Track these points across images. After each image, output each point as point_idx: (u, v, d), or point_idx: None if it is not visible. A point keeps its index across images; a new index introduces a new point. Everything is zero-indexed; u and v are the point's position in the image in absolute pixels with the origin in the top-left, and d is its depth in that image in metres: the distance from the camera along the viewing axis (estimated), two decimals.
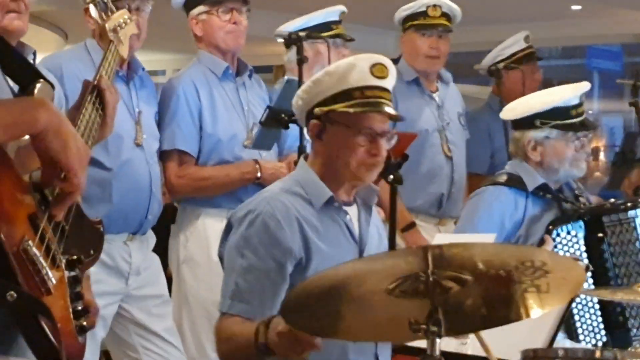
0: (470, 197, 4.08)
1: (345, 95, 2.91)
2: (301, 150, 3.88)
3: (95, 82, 2.35)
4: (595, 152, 15.07)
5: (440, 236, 3.68)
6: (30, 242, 1.73)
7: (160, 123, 4.20)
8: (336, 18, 4.67)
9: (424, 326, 2.26)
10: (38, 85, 1.95)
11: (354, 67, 2.92)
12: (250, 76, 4.43)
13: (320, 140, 2.97)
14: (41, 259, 1.74)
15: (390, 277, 2.20)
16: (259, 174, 4.17)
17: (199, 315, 4.18)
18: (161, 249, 4.29)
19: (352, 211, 3.08)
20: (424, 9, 4.85)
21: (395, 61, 5.06)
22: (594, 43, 13.72)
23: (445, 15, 4.86)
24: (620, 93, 15.81)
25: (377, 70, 2.93)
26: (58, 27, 9.63)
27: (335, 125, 2.93)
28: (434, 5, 4.84)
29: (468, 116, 5.20)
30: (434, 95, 4.94)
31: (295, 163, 3.78)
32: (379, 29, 9.78)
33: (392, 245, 3.14)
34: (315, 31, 4.43)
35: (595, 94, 17.09)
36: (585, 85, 3.90)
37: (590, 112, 17.77)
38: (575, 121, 3.83)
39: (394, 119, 3.01)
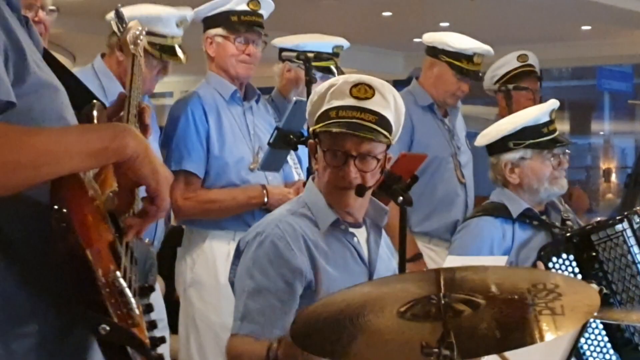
0: (458, 230, 4.07)
1: (323, 115, 2.90)
2: (310, 172, 3.85)
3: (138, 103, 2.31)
4: (607, 173, 15.03)
5: (451, 259, 3.63)
6: (117, 273, 1.68)
7: (167, 143, 4.19)
8: (328, 50, 4.64)
9: (436, 350, 2.22)
10: (96, 106, 1.92)
11: (333, 86, 2.91)
12: (257, 101, 4.41)
13: (315, 160, 2.96)
14: (127, 290, 1.69)
15: (402, 300, 2.17)
16: (265, 199, 4.14)
17: (207, 338, 4.15)
18: (168, 272, 4.25)
19: (361, 233, 3.05)
20: (471, 54, 4.79)
21: (405, 82, 5.06)
22: (605, 64, 13.70)
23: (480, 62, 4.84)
24: (632, 114, 15.80)
25: (357, 90, 2.88)
26: (66, 49, 9.66)
27: (319, 145, 2.93)
28: (480, 55, 4.80)
29: (473, 137, 5.18)
30: (445, 120, 4.92)
31: (305, 184, 3.77)
32: (387, 50, 9.80)
33: (402, 267, 3.10)
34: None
35: (606, 115, 17.06)
36: (553, 103, 3.91)
37: (601, 133, 17.76)
38: (547, 139, 3.85)
39: (376, 140, 2.90)
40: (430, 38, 4.86)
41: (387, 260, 3.12)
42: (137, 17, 3.85)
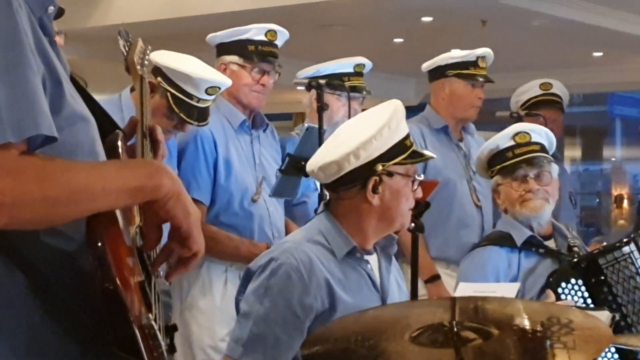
0: (463, 260, 4.06)
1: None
2: (321, 198, 3.84)
3: (148, 126, 2.31)
4: (618, 200, 14.99)
5: (463, 285, 3.62)
6: (150, 316, 1.65)
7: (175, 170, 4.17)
8: (350, 70, 4.64)
9: None
10: (119, 136, 1.87)
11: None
12: (265, 130, 4.39)
13: (375, 194, 2.95)
14: (158, 333, 1.66)
15: (414, 325, 2.16)
16: None
17: None
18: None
19: (372, 260, 3.04)
20: (474, 59, 4.81)
21: (419, 108, 5.06)
22: (616, 90, 13.71)
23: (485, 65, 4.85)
24: None
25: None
26: (79, 76, 9.68)
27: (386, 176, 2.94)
28: (483, 57, 4.81)
29: None
30: (461, 144, 4.90)
31: (316, 212, 3.76)
32: (399, 77, 9.82)
33: (414, 293, 3.09)
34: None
35: (617, 141, 17.04)
36: (516, 128, 3.97)
37: (613, 159, 17.74)
38: (511, 162, 3.90)
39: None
40: (431, 62, 4.87)
41: (397, 287, 3.11)
42: (164, 67, 3.84)
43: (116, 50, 2.65)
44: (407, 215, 2.99)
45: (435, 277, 4.61)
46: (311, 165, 2.99)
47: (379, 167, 2.91)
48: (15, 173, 1.53)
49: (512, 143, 3.92)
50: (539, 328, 2.18)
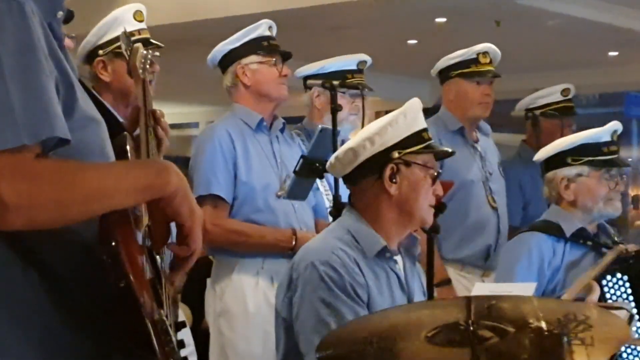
0: (507, 244, 4.03)
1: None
2: (336, 199, 3.83)
3: (150, 110, 2.30)
4: (635, 200, 14.94)
5: (479, 285, 3.60)
6: (161, 312, 1.68)
7: (194, 171, 4.19)
8: (353, 67, 4.64)
9: None
10: (127, 138, 1.92)
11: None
12: (282, 130, 4.40)
13: (393, 183, 2.93)
14: (170, 329, 1.69)
15: (430, 325, 2.16)
16: (293, 243, 4.12)
17: None
18: (198, 303, 4.23)
19: (399, 260, 3.04)
20: (474, 56, 4.80)
21: (433, 110, 5.04)
22: (632, 89, 13.65)
23: (491, 61, 4.84)
24: None
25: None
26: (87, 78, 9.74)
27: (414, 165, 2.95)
28: (484, 53, 4.80)
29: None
30: (477, 146, 4.89)
31: (331, 213, 3.75)
32: (413, 79, 9.80)
33: (430, 293, 3.08)
34: (329, 79, 4.39)
35: (634, 141, 16.97)
36: (615, 125, 3.88)
37: (629, 159, 17.68)
38: (607, 158, 3.81)
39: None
40: (438, 65, 4.87)
41: (420, 288, 3.10)
42: (96, 33, 3.84)
43: None
44: (427, 211, 2.97)
45: (446, 281, 4.59)
46: (331, 158, 3.02)
47: (395, 154, 2.91)
48: (31, 176, 1.57)
49: (609, 139, 3.85)
50: (555, 325, 2.17)
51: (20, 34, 1.59)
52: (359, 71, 4.66)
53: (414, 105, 2.98)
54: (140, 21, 3.93)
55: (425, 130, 2.97)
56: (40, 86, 1.59)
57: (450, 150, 3.10)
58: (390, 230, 2.97)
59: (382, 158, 2.92)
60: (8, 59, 1.57)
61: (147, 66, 2.55)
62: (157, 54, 3.53)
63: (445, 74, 4.84)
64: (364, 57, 4.70)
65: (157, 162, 1.86)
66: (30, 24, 1.61)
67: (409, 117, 2.93)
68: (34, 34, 1.61)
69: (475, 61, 4.78)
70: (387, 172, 2.92)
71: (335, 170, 3.06)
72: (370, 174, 2.95)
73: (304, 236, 4.07)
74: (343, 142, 4.52)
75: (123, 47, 2.58)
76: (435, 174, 2.96)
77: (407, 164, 2.92)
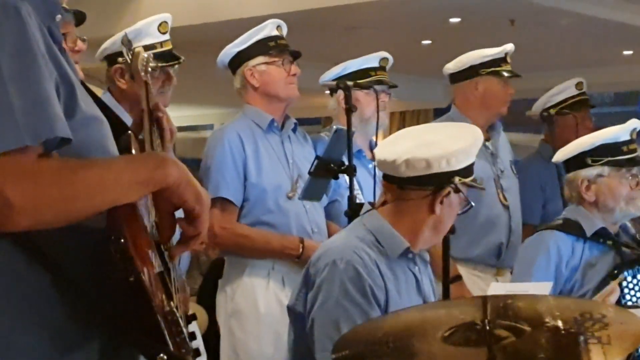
0: (526, 242, 4.02)
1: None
2: (351, 200, 3.83)
3: (152, 108, 2.32)
4: None
5: (495, 285, 3.60)
6: (172, 303, 1.71)
7: (204, 173, 4.19)
8: (375, 64, 4.65)
9: None
10: (132, 137, 1.94)
11: None
12: (294, 130, 4.40)
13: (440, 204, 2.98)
14: (180, 320, 1.71)
15: (446, 325, 2.16)
16: (300, 251, 4.12)
17: None
18: (209, 304, 4.24)
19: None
20: (503, 55, 4.80)
21: (445, 110, 5.03)
22: None
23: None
24: None
25: None
26: (99, 79, 9.77)
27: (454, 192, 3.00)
28: (509, 53, 4.80)
29: (518, 165, 5.13)
30: (488, 144, 4.87)
31: (346, 214, 3.75)
32: (427, 79, 9.79)
33: (446, 292, 3.08)
34: (353, 78, 4.39)
35: None
36: (634, 123, 3.85)
37: None
38: (627, 157, 3.79)
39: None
40: (462, 61, 4.82)
41: (431, 290, 3.11)
42: (117, 41, 3.87)
43: None
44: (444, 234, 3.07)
45: (457, 278, 4.58)
46: (392, 154, 2.97)
47: (456, 179, 2.95)
48: (34, 176, 1.59)
49: (627, 138, 3.83)
50: (571, 324, 2.17)
51: (18, 37, 1.62)
52: (382, 68, 4.66)
53: (479, 138, 3.04)
54: (164, 32, 3.97)
55: (474, 162, 3.02)
56: (40, 87, 1.62)
57: (482, 186, 3.17)
58: (418, 241, 3.00)
59: (445, 179, 2.95)
60: (7, 62, 1.60)
61: (149, 69, 2.58)
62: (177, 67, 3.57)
63: (473, 71, 4.78)
64: (385, 54, 4.70)
65: (156, 155, 1.90)
66: (28, 27, 1.63)
67: (474, 148, 3.00)
68: (31, 36, 1.63)
69: (504, 60, 4.77)
70: (444, 193, 2.96)
71: (395, 170, 2.99)
72: (426, 187, 2.96)
73: (311, 245, 4.07)
74: (373, 144, 4.54)
75: (124, 51, 2.62)
76: (467, 208, 3.04)
77: (457, 190, 2.97)
